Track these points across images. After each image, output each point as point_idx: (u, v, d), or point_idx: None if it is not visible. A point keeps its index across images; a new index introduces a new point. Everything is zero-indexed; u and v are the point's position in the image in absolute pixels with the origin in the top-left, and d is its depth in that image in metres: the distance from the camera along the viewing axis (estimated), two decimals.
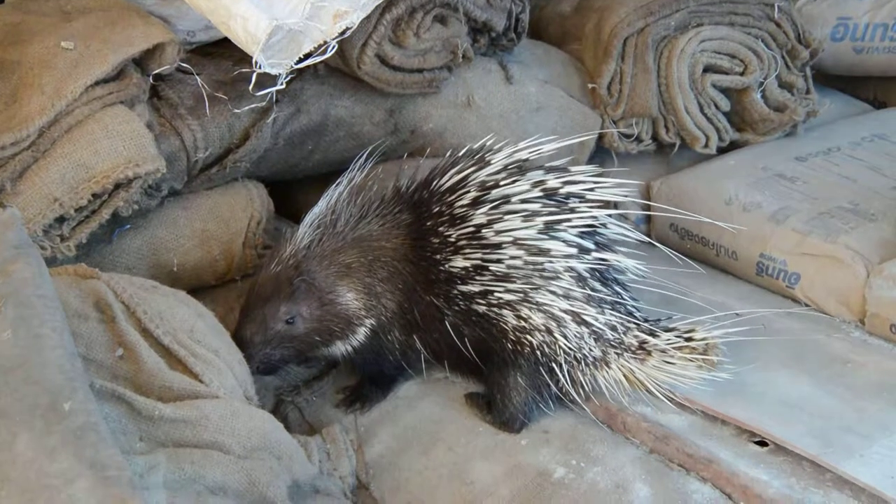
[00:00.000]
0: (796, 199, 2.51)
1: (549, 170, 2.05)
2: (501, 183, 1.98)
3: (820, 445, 1.84)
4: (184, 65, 2.19)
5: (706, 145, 2.77)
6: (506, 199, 1.97)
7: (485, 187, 1.99)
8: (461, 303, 2.00)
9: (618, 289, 2.03)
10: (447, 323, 2.03)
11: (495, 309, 1.97)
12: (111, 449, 1.35)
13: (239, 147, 2.28)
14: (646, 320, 2.04)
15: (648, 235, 2.67)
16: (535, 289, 1.94)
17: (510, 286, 1.95)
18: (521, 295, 1.95)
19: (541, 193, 1.98)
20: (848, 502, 1.74)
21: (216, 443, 1.64)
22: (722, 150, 2.82)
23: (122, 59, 2.04)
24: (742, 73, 2.76)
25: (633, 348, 1.99)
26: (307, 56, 2.06)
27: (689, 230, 2.64)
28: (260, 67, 2.01)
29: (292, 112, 2.36)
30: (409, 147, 2.63)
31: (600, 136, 2.78)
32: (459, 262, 1.98)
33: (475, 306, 1.99)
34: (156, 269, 2.23)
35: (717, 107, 2.77)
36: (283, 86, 2.13)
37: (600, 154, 2.82)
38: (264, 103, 2.25)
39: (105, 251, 2.17)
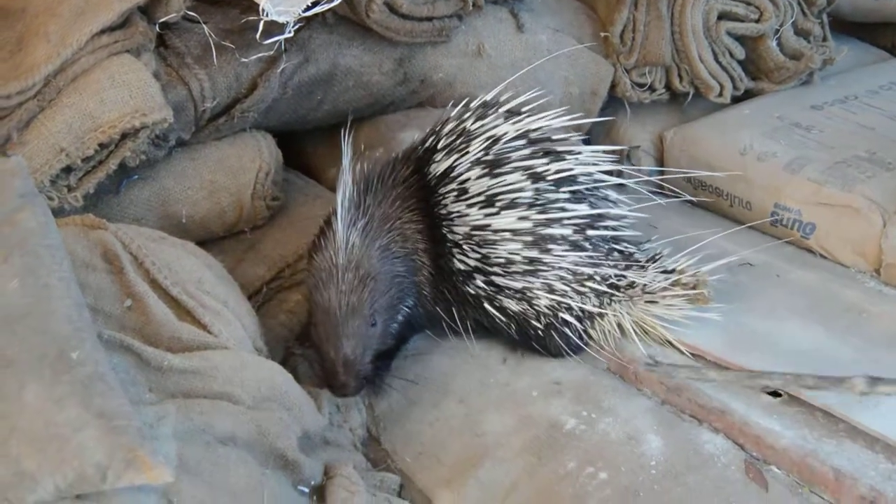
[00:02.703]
0: (812, 148, 2.48)
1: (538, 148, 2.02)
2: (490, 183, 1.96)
3: (834, 395, 1.82)
4: (190, 13, 2.16)
5: (720, 94, 2.74)
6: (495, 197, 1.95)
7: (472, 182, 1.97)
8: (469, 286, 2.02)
9: (610, 234, 2.02)
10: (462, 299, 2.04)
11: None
12: (120, 399, 1.35)
13: (247, 97, 2.26)
14: (637, 262, 2.03)
15: (661, 187, 2.65)
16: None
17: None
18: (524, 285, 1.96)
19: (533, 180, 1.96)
20: (862, 452, 1.73)
21: (225, 393, 1.63)
22: (737, 100, 2.79)
23: (128, 6, 2.01)
24: (757, 21, 2.71)
25: (626, 289, 2.00)
26: (315, 4, 2.04)
27: (702, 181, 2.61)
28: (267, 15, 1.99)
29: (300, 61, 2.33)
30: (419, 97, 2.61)
31: (613, 86, 2.75)
32: (463, 262, 1.99)
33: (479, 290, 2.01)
34: (164, 220, 2.22)
35: (731, 55, 2.73)
36: (291, 34, 2.11)
37: (613, 103, 2.80)
38: (272, 52, 2.22)
39: (113, 202, 2.16)
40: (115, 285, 1.71)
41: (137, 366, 1.60)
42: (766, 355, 1.95)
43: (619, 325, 2.01)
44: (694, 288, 1.98)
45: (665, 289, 1.98)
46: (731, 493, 1.70)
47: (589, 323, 2.01)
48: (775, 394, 1.88)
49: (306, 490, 1.69)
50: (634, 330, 2.00)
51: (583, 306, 1.97)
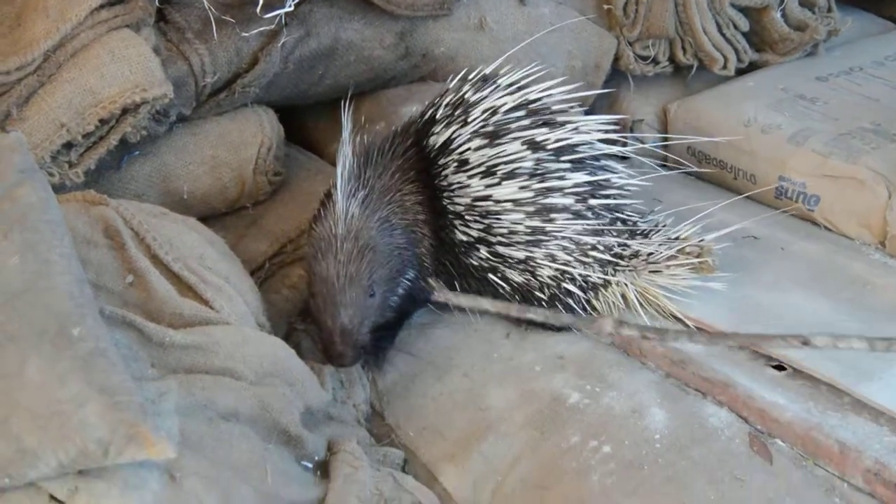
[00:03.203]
0: (817, 119, 2.47)
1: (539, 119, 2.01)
2: (489, 154, 1.95)
3: (838, 369, 1.82)
4: None
5: (724, 66, 2.71)
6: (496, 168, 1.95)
7: (473, 153, 1.96)
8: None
9: (612, 202, 2.01)
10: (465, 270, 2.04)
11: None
12: (121, 374, 1.35)
13: (247, 71, 2.24)
14: (641, 231, 2.03)
15: (665, 159, 2.64)
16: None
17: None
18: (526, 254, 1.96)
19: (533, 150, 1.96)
20: (866, 425, 1.73)
21: (228, 369, 1.63)
22: (741, 72, 2.77)
23: None
24: None
25: (630, 259, 2.00)
26: None
27: (706, 153, 2.59)
28: None
29: (301, 35, 2.31)
30: (421, 71, 2.60)
31: (616, 59, 2.73)
32: (465, 233, 1.98)
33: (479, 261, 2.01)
34: (166, 195, 2.21)
35: (735, 27, 2.70)
36: (292, 8, 2.10)
37: (616, 76, 2.77)
38: (273, 26, 2.21)
39: (114, 178, 2.15)
40: (116, 261, 1.71)
41: (139, 342, 1.60)
42: (769, 327, 1.94)
43: (623, 296, 2.01)
44: (698, 257, 1.97)
45: (669, 258, 1.98)
46: (735, 467, 1.69)
47: (592, 294, 2.00)
48: (780, 367, 1.87)
49: (310, 465, 1.70)
50: (638, 300, 1.99)
51: (586, 275, 1.96)
